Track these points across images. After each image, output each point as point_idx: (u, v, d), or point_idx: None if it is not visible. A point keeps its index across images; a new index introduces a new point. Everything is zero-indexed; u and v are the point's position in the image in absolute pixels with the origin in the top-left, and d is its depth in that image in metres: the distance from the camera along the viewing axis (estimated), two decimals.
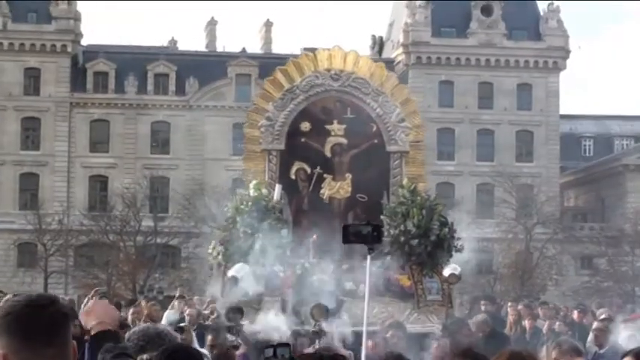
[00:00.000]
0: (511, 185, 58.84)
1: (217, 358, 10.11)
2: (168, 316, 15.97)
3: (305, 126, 16.19)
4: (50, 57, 61.37)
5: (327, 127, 16.19)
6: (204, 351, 9.46)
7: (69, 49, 61.66)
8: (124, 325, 13.68)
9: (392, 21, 68.65)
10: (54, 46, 61.28)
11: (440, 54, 62.95)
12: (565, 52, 64.10)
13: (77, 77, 62.29)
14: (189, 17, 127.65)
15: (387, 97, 16.14)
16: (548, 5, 64.44)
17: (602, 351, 10.86)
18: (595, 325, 11.73)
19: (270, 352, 5.29)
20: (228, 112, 60.73)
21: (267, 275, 14.52)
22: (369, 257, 8.22)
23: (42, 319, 3.00)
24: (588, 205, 66.44)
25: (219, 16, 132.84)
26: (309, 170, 16.15)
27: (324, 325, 11.74)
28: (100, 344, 5.60)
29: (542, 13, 64.64)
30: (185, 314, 14.98)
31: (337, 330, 12.10)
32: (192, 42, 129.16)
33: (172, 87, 62.82)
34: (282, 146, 16.04)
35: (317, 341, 10.98)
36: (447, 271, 14.79)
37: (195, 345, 10.01)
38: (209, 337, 10.79)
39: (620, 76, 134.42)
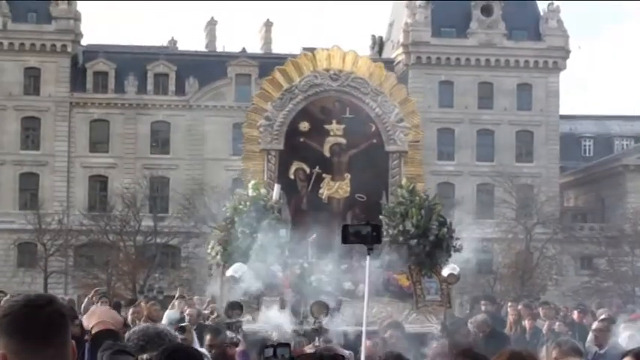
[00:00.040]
0: (511, 185, 58.84)
1: (216, 358, 10.11)
2: (168, 316, 16.00)
3: (304, 126, 16.19)
4: (50, 57, 61.38)
5: (326, 126, 16.19)
6: (204, 351, 9.46)
7: (69, 49, 61.67)
8: (124, 325, 13.71)
9: (392, 21, 68.65)
10: (54, 45, 61.29)
11: (440, 54, 62.96)
12: (565, 52, 64.10)
13: (77, 77, 62.31)
14: (189, 17, 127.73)
15: (385, 97, 16.13)
16: (548, 5, 64.44)
17: (602, 351, 10.85)
18: (595, 325, 11.72)
19: (270, 352, 5.29)
20: (228, 112, 60.73)
21: (266, 275, 14.51)
22: (368, 257, 8.22)
23: (40, 319, 3.00)
24: (588, 206, 66.43)
25: (219, 16, 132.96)
26: (308, 170, 16.14)
27: (324, 323, 11.73)
28: (101, 343, 5.60)
29: (542, 13, 64.65)
30: (185, 314, 14.99)
31: (335, 329, 12.09)
32: (192, 42, 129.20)
33: (172, 87, 62.83)
34: (281, 146, 16.03)
35: (317, 339, 10.98)
36: (445, 271, 14.78)
37: (196, 345, 10.00)
38: (207, 337, 10.78)
39: (620, 76, 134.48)
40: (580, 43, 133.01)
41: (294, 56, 17.86)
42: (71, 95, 61.85)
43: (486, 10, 63.51)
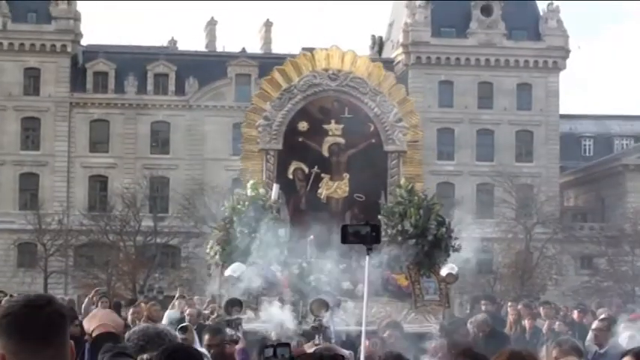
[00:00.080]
0: (511, 185, 58.84)
1: (215, 358, 10.10)
2: (169, 316, 16.02)
3: (303, 126, 16.18)
4: (50, 57, 61.40)
5: (325, 126, 16.18)
6: (204, 351, 9.46)
7: (69, 49, 61.69)
8: (124, 326, 13.72)
9: (392, 21, 68.66)
10: (54, 46, 61.31)
11: (440, 54, 62.97)
12: (565, 52, 64.11)
13: (77, 77, 62.33)
14: (189, 17, 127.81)
15: (384, 97, 16.12)
16: (548, 5, 64.46)
17: (602, 350, 10.86)
18: (595, 324, 11.72)
19: (270, 351, 5.29)
20: (228, 112, 60.74)
21: (265, 275, 14.51)
22: (367, 257, 8.23)
23: (40, 320, 3.01)
24: (588, 205, 66.44)
25: (218, 16, 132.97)
26: (306, 170, 16.13)
27: (325, 321, 11.74)
28: (101, 346, 5.62)
29: (541, 13, 64.66)
30: (185, 314, 14.99)
31: (334, 329, 12.10)
32: (192, 42, 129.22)
33: (172, 87, 62.85)
34: (279, 146, 16.02)
35: (317, 337, 10.98)
36: (444, 271, 14.78)
37: (197, 345, 10.00)
38: (206, 337, 10.77)
39: (620, 76, 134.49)
40: (580, 43, 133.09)
41: (293, 56, 17.85)
42: (71, 95, 61.88)
43: (486, 10, 63.52)
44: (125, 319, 14.94)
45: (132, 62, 61.55)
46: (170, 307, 17.99)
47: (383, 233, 12.87)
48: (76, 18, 62.39)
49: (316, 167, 16.10)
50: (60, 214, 56.76)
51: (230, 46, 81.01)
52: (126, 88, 62.11)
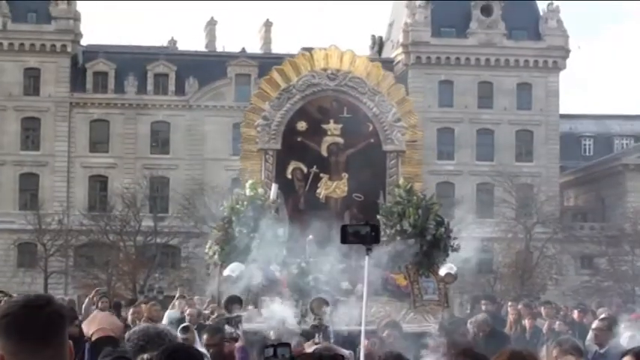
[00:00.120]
0: (511, 185, 58.85)
1: (214, 357, 10.11)
2: (169, 315, 16.03)
3: (301, 125, 16.17)
4: (50, 57, 61.42)
5: (324, 126, 16.17)
6: (204, 350, 9.46)
7: (69, 49, 61.71)
8: (124, 326, 13.72)
9: (392, 21, 68.67)
10: (54, 46, 61.33)
11: (440, 54, 62.99)
12: (565, 52, 64.12)
13: (77, 77, 62.35)
14: (188, 17, 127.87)
15: (383, 97, 16.11)
16: (548, 5, 64.48)
17: (602, 350, 10.85)
18: (595, 324, 11.71)
19: (270, 351, 5.29)
20: (227, 112, 60.74)
21: (264, 275, 14.50)
22: (367, 257, 8.23)
23: (39, 320, 3.01)
24: (588, 205, 66.43)
25: (218, 16, 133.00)
26: (305, 170, 16.12)
27: (325, 320, 11.74)
28: (101, 349, 5.62)
29: (541, 13, 64.68)
30: (185, 314, 15.00)
31: (333, 329, 12.10)
32: (192, 42, 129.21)
33: (172, 87, 62.88)
34: (278, 146, 16.01)
35: (317, 335, 10.98)
36: (443, 271, 14.78)
37: (198, 345, 10.00)
38: (205, 336, 10.78)
39: (620, 75, 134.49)
40: (580, 43, 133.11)
41: (293, 56, 17.84)
42: (71, 95, 61.89)
43: (486, 10, 63.53)
44: (125, 319, 14.96)
45: (132, 62, 61.57)
46: (170, 307, 18.00)
47: (382, 233, 12.86)
48: (76, 18, 62.41)
49: (315, 167, 16.09)
50: (60, 214, 56.79)
51: (230, 46, 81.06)
52: (126, 88, 62.13)
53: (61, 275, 56.82)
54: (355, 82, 16.15)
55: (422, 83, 62.18)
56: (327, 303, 12.64)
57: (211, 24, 69.09)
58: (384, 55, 65.83)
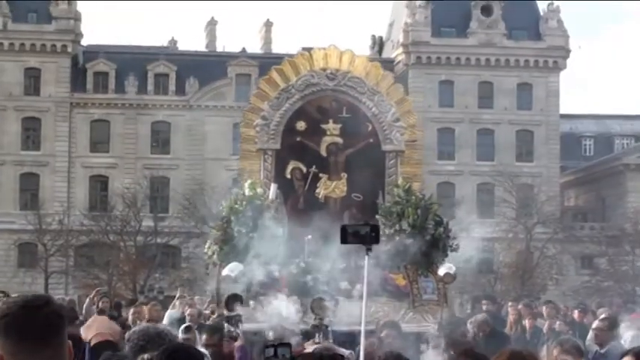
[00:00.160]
0: (511, 185, 58.84)
1: (213, 357, 10.11)
2: (170, 315, 16.03)
3: (300, 125, 16.16)
4: (50, 57, 61.46)
5: (323, 126, 16.15)
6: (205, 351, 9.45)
7: (69, 49, 61.74)
8: (124, 326, 13.73)
9: (392, 21, 68.68)
10: (54, 46, 61.36)
11: (440, 54, 63.00)
12: (565, 52, 64.13)
13: (77, 77, 62.38)
14: (189, 17, 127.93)
15: (382, 97, 16.09)
16: (548, 5, 64.49)
17: (602, 350, 10.85)
18: (595, 324, 11.70)
19: (270, 351, 5.30)
20: (228, 112, 60.75)
21: (263, 274, 14.50)
22: (367, 257, 8.23)
23: (38, 320, 3.00)
24: (589, 205, 66.43)
25: (219, 16, 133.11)
26: (304, 169, 16.11)
27: (325, 320, 11.74)
28: (100, 354, 5.63)
29: (542, 13, 64.68)
30: (186, 314, 15.00)
31: (332, 329, 12.10)
32: (193, 42, 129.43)
33: (172, 87, 62.91)
34: (277, 145, 16.00)
35: (317, 335, 10.99)
36: (442, 271, 14.76)
37: (199, 345, 10.02)
38: (203, 336, 10.79)
39: (620, 75, 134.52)
40: (580, 43, 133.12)
41: (293, 56, 17.81)
42: (71, 95, 61.92)
43: (486, 10, 63.54)
44: (126, 320, 14.97)
45: (132, 62, 61.60)
46: (171, 307, 18.01)
47: (381, 233, 12.85)
48: (77, 18, 62.45)
49: (314, 167, 16.08)
50: (60, 214, 56.84)
51: (230, 46, 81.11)
52: (126, 88, 62.16)
53: (62, 275, 56.84)
54: (354, 82, 16.14)
55: (422, 83, 62.20)
56: (327, 303, 12.65)
57: (212, 24, 69.14)
58: (385, 55, 65.86)
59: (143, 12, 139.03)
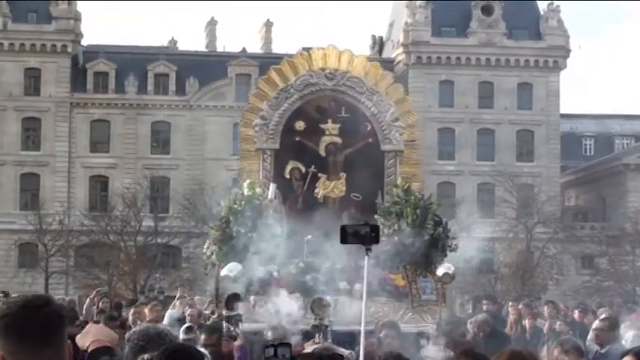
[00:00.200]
0: (512, 185, 58.85)
1: (212, 357, 10.11)
2: (170, 315, 16.02)
3: (299, 125, 16.14)
4: (50, 57, 61.48)
5: (322, 126, 16.13)
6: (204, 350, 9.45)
7: (69, 50, 61.77)
8: (124, 326, 13.73)
9: (392, 21, 68.69)
10: (54, 46, 61.38)
11: (440, 53, 63.00)
12: (565, 52, 64.12)
13: (77, 77, 62.40)
14: (189, 17, 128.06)
15: (381, 96, 16.07)
16: (549, 5, 64.48)
17: (603, 350, 10.84)
18: (596, 324, 11.70)
19: (271, 351, 5.29)
20: (228, 112, 60.76)
21: (262, 275, 14.49)
22: (366, 257, 8.22)
23: (38, 321, 3.00)
24: (589, 205, 66.43)
25: (219, 16, 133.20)
26: (303, 169, 16.09)
27: (326, 320, 11.73)
28: (98, 359, 5.64)
29: (542, 13, 64.68)
30: (186, 314, 15.00)
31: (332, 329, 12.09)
32: (193, 42, 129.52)
33: (172, 87, 62.93)
34: (276, 145, 15.98)
35: (317, 335, 10.98)
36: (440, 271, 14.75)
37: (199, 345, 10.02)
38: (202, 336, 10.79)
39: (621, 75, 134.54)
40: (580, 43, 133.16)
41: (293, 56, 17.79)
42: (71, 95, 61.95)
43: (486, 10, 63.54)
44: (126, 320, 14.97)
45: (132, 62, 61.62)
46: (171, 307, 18.02)
47: (380, 233, 12.83)
48: (77, 18, 62.47)
49: (313, 167, 16.06)
50: (61, 214, 56.89)
51: (230, 46, 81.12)
52: (126, 88, 62.17)
53: (62, 275, 56.88)
54: (353, 82, 16.12)
55: (422, 83, 62.20)
56: (327, 303, 12.64)
57: (212, 24, 69.17)
58: (385, 55, 65.89)
59: (143, 12, 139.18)
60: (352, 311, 12.84)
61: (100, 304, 17.34)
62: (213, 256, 15.26)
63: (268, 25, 69.22)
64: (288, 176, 16.08)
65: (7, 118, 60.89)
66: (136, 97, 62.33)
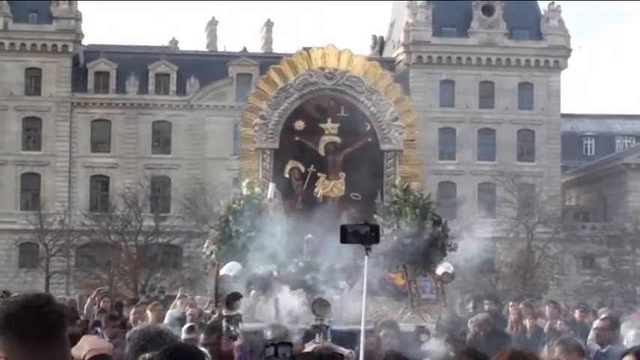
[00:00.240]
0: (512, 184, 58.80)
1: (212, 356, 10.11)
2: (171, 315, 16.05)
3: (299, 125, 16.16)
4: (51, 57, 61.47)
5: (321, 125, 16.15)
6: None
7: (70, 49, 61.76)
8: (125, 326, 13.73)
9: (393, 21, 68.67)
10: (55, 46, 61.37)
11: (441, 53, 62.96)
12: (566, 51, 64.07)
13: (78, 77, 62.39)
14: (190, 17, 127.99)
15: (380, 96, 16.09)
16: (549, 5, 64.42)
17: (604, 350, 10.84)
18: (597, 323, 11.69)
19: (271, 350, 5.30)
20: (229, 112, 60.71)
21: (261, 274, 14.50)
22: (366, 257, 8.22)
23: (39, 320, 3.00)
24: (590, 205, 66.39)
25: (219, 16, 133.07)
26: (303, 169, 16.11)
27: (326, 320, 11.73)
28: None
29: (543, 13, 64.63)
30: (187, 314, 15.01)
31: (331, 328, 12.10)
32: (193, 42, 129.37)
33: (173, 87, 62.92)
34: (276, 145, 16.00)
35: (317, 335, 10.98)
36: (440, 270, 14.77)
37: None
38: (202, 336, 10.79)
39: (621, 75, 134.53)
40: (580, 43, 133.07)
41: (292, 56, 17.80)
42: (72, 95, 61.94)
43: (487, 10, 63.50)
44: (127, 319, 14.98)
45: (133, 62, 61.60)
46: (172, 306, 18.04)
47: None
48: (77, 18, 62.45)
49: (312, 166, 16.08)
50: (61, 214, 56.89)
51: (231, 46, 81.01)
52: (127, 88, 62.17)
53: (63, 275, 56.88)
54: (352, 81, 16.13)
55: (423, 83, 62.17)
56: (328, 304, 12.65)
57: (212, 24, 69.17)
58: (386, 54, 65.87)
59: (144, 12, 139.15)
60: (351, 310, 12.85)
61: (101, 303, 17.36)
62: (213, 256, 15.28)
63: (269, 25, 69.21)
64: (287, 176, 16.10)
65: (8, 117, 60.89)
66: (137, 97, 62.32)
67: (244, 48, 66.52)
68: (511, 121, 63.19)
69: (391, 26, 68.89)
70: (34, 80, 61.75)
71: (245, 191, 15.39)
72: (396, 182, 15.70)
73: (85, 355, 6.62)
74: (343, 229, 8.19)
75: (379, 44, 69.20)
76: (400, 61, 63.69)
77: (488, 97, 63.50)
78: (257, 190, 15.37)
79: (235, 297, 12.64)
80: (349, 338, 11.64)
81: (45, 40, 61.19)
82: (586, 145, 69.82)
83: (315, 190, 16.05)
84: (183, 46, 68.71)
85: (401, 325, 12.62)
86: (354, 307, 12.79)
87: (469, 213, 51.62)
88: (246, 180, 15.62)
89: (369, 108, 16.05)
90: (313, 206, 15.58)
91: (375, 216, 15.00)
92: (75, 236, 56.27)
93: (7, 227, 58.46)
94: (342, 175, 16.07)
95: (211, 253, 15.35)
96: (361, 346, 8.42)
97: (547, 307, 17.20)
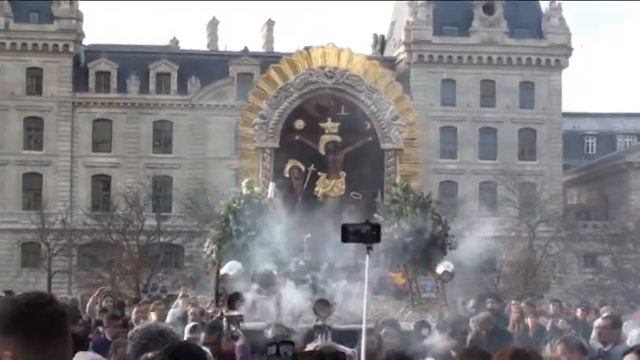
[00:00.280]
0: (514, 183, 58.78)
1: (212, 355, 10.11)
2: (173, 314, 16.06)
3: (299, 124, 16.16)
4: (52, 57, 61.49)
5: (321, 124, 16.15)
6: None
7: (71, 49, 61.78)
8: (127, 325, 13.75)
9: (394, 20, 68.64)
10: (56, 45, 61.38)
11: (442, 52, 62.93)
12: (567, 50, 64.03)
13: (79, 77, 62.41)
14: (190, 17, 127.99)
15: (380, 95, 16.08)
16: (550, 3, 64.38)
17: (606, 348, 10.83)
18: (599, 322, 11.69)
19: (273, 349, 5.29)
20: (230, 111, 60.65)
21: (261, 274, 14.49)
22: (367, 256, 8.22)
23: (41, 319, 3.00)
24: (591, 203, 66.37)
25: (220, 15, 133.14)
26: (303, 168, 16.11)
27: (327, 321, 11.74)
28: None
29: (544, 11, 64.58)
30: (189, 313, 15.01)
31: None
32: (194, 41, 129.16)
33: (174, 86, 62.92)
34: (276, 144, 16.00)
35: (319, 336, 10.98)
36: (440, 269, 14.77)
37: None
38: (202, 335, 10.79)
39: (622, 74, 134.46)
40: (581, 43, 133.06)
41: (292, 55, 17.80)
42: (73, 95, 61.95)
43: (488, 9, 63.46)
44: (129, 319, 14.99)
45: (134, 62, 61.60)
46: (174, 305, 18.05)
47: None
48: (78, 18, 62.48)
49: (313, 165, 16.08)
50: (63, 213, 56.94)
51: (232, 46, 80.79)
52: (128, 88, 62.18)
53: (65, 275, 56.92)
54: (353, 80, 16.13)
55: (424, 82, 62.15)
56: (330, 304, 12.65)
57: (213, 23, 69.19)
58: (387, 53, 65.85)
59: (145, 11, 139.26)
60: (352, 309, 12.85)
61: (103, 303, 17.36)
62: (213, 255, 15.28)
63: (270, 24, 69.21)
64: (287, 175, 16.10)
65: (10, 117, 60.92)
66: (138, 97, 62.33)
67: (245, 47, 66.51)
68: (512, 120, 63.16)
69: (392, 25, 68.87)
70: (35, 80, 61.77)
71: (244, 191, 15.39)
72: (397, 181, 15.70)
73: None
74: (344, 228, 8.18)
75: (380, 43, 69.19)
76: (401, 60, 63.68)
77: (489, 96, 63.46)
78: (257, 189, 15.37)
79: (237, 297, 12.64)
80: (349, 337, 11.65)
81: (46, 40, 61.22)
82: (587, 143, 69.79)
83: (316, 189, 16.05)
84: (184, 45, 68.77)
85: (402, 324, 12.61)
86: (355, 306, 12.78)
87: (470, 212, 51.56)
88: (246, 179, 15.61)
89: (369, 107, 16.04)
90: (313, 205, 15.57)
91: (376, 215, 14.99)
92: (77, 236, 56.28)
93: (9, 227, 58.48)
94: (343, 174, 16.07)
95: (212, 252, 15.36)
96: (362, 345, 8.42)
97: (551, 306, 17.22)
